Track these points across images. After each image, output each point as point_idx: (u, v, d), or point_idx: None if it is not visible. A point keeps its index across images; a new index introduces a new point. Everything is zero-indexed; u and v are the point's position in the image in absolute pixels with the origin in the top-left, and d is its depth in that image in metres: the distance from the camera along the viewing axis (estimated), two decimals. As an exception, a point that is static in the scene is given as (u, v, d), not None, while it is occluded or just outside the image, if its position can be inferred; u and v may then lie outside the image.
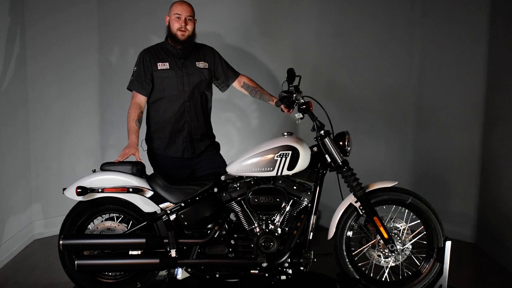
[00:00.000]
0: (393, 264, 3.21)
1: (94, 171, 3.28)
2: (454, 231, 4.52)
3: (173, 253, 3.10)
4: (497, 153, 4.27)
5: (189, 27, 3.46)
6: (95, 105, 4.94)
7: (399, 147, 4.96)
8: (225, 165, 3.40)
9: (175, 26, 3.45)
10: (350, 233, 3.22)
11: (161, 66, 3.48)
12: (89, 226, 3.30)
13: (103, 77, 4.92)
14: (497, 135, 4.27)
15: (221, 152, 3.77)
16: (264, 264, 3.07)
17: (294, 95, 3.19)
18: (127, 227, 3.28)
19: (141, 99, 3.50)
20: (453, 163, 4.73)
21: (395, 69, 4.88)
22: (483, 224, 4.53)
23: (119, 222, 3.29)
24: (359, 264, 3.26)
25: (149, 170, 3.43)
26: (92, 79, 4.89)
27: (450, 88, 4.68)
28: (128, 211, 3.25)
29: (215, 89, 3.77)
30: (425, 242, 3.22)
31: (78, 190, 3.11)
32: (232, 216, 3.31)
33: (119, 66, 4.87)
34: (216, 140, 3.77)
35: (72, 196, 3.16)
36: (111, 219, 3.32)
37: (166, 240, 3.13)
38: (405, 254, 3.21)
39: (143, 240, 3.09)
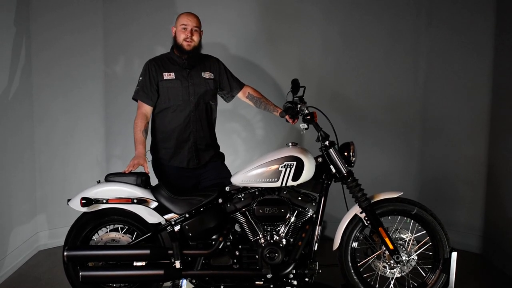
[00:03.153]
0: (399, 275, 3.19)
1: (98, 182, 3.28)
2: (460, 241, 4.48)
3: (177, 264, 3.09)
4: (504, 163, 4.23)
5: (195, 38, 3.47)
6: (101, 116, 4.93)
7: (404, 157, 4.94)
8: (230, 175, 3.40)
9: (181, 36, 3.46)
10: (355, 244, 3.21)
11: (166, 76, 3.49)
12: (94, 237, 3.29)
13: (109, 88, 4.92)
14: (504, 145, 4.24)
15: (226, 162, 3.76)
16: (269, 276, 3.06)
17: (299, 105, 3.19)
18: (131, 238, 3.27)
19: (147, 109, 3.51)
20: (459, 173, 4.68)
21: (400, 79, 4.87)
22: (489, 235, 4.49)
23: (123, 233, 3.29)
24: (365, 275, 3.24)
25: (154, 181, 3.43)
26: (97, 90, 4.89)
27: (455, 98, 4.65)
28: (133, 222, 3.25)
29: (220, 99, 3.78)
30: (430, 253, 3.21)
31: (83, 201, 3.11)
32: (236, 227, 3.30)
33: (125, 76, 4.87)
34: (220, 150, 3.76)
35: (76, 207, 3.16)
36: (116, 230, 3.32)
37: (170, 251, 3.11)
38: (410, 265, 3.19)
39: (147, 251, 3.08)
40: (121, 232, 3.29)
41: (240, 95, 3.74)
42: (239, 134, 5.05)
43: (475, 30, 4.50)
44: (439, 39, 4.69)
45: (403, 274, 3.19)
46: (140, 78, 3.54)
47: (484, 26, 4.46)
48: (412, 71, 4.85)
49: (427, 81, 4.81)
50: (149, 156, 3.57)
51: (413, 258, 3.17)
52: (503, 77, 4.28)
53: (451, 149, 4.71)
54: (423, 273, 3.23)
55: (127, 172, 3.26)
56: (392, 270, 3.19)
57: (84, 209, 3.18)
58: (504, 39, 4.26)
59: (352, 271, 3.19)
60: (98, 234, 3.30)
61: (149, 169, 3.41)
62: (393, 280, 3.20)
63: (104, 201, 3.16)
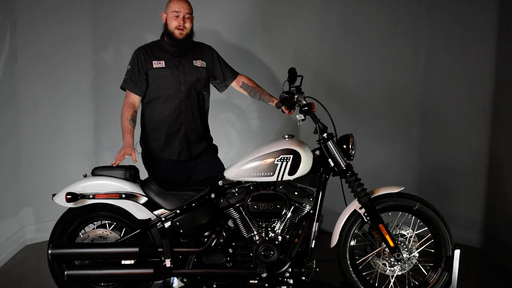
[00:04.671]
0: (399, 273, 3.09)
1: (85, 176, 3.16)
2: (460, 235, 4.39)
3: (167, 262, 2.96)
4: (505, 155, 4.14)
5: (188, 25, 3.34)
6: (89, 105, 4.79)
7: (403, 149, 4.85)
8: (223, 169, 3.29)
9: (173, 24, 3.31)
10: (354, 241, 3.10)
11: (156, 64, 3.37)
12: (80, 234, 3.16)
13: (98, 77, 4.77)
14: (506, 137, 4.14)
15: (219, 153, 3.65)
16: (264, 274, 2.95)
17: (296, 96, 3.07)
18: (120, 235, 3.15)
19: (135, 98, 3.38)
20: (459, 165, 4.59)
21: (399, 68, 4.76)
22: (490, 229, 4.41)
23: (111, 229, 3.16)
24: (364, 273, 3.13)
25: (143, 175, 3.29)
26: (86, 80, 4.75)
27: (456, 88, 4.55)
28: (121, 218, 3.12)
29: (213, 89, 3.66)
30: (432, 251, 3.10)
31: (68, 197, 2.98)
32: (230, 223, 3.18)
33: (115, 65, 4.72)
34: (214, 142, 3.65)
35: (61, 202, 3.03)
36: (103, 226, 3.19)
37: (160, 249, 3.00)
38: (411, 263, 3.08)
39: (136, 249, 2.96)
40: (109, 228, 3.17)
41: (234, 84, 3.62)
42: (233, 124, 4.94)
43: (477, 17, 4.39)
44: (440, 26, 4.57)
45: (403, 272, 3.09)
46: (129, 67, 3.41)
47: (486, 13, 4.34)
48: (411, 60, 4.74)
49: (427, 70, 4.70)
50: (138, 149, 3.46)
51: (414, 256, 3.07)
52: (506, 65, 4.17)
53: (452, 141, 4.62)
54: (425, 271, 3.13)
55: (115, 165, 3.13)
56: (392, 268, 3.09)
57: (70, 205, 3.05)
58: (508, 26, 4.14)
59: (351, 269, 3.09)
60: (84, 231, 3.17)
61: (139, 162, 3.30)
62: (393, 279, 3.09)
63: (91, 196, 3.04)
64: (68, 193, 2.98)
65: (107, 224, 3.18)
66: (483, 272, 4.02)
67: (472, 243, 4.51)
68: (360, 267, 3.13)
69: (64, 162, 4.70)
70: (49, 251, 2.96)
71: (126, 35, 4.73)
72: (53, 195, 3.10)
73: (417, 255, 3.08)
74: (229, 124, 4.91)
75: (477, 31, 4.40)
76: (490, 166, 4.42)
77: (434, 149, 4.72)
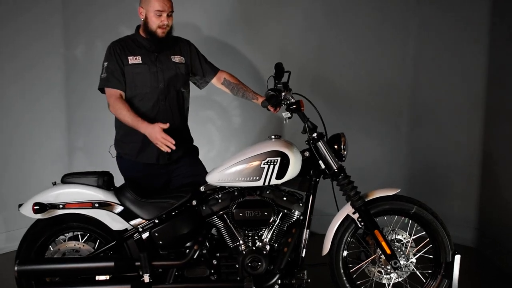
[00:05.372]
0: (396, 281, 2.91)
1: (54, 183, 2.92)
2: (453, 235, 4.10)
3: (146, 278, 2.73)
4: (499, 151, 4.03)
5: (170, 22, 3.13)
6: (61, 104, 4.57)
7: (393, 146, 4.73)
8: (205, 171, 3.09)
9: (155, 23, 3.08)
10: (346, 250, 2.92)
11: (132, 60, 3.13)
12: (50, 247, 2.92)
13: (70, 74, 4.57)
14: (499, 133, 4.03)
15: (200, 153, 3.46)
16: None
17: (283, 93, 2.86)
18: (94, 247, 2.92)
19: (121, 94, 3.12)
20: (451, 163, 4.48)
21: (388, 62, 4.63)
22: (484, 227, 4.28)
23: (84, 241, 2.92)
24: (358, 282, 2.95)
25: (119, 181, 3.06)
26: (57, 76, 4.52)
27: (448, 82, 4.43)
28: (95, 229, 2.89)
29: (192, 86, 3.45)
30: (431, 256, 2.94)
31: (36, 207, 2.74)
32: (213, 231, 2.97)
33: (87, 61, 4.53)
34: (194, 143, 3.44)
35: (29, 213, 2.79)
36: (75, 237, 2.95)
37: (138, 263, 2.76)
38: (408, 269, 2.90)
39: (111, 264, 2.73)
40: (82, 240, 2.93)
41: (214, 81, 3.41)
42: (214, 122, 4.76)
43: (469, 7, 4.26)
44: (430, 17, 4.45)
45: (400, 279, 2.91)
46: (106, 64, 3.15)
47: (478, 4, 4.21)
48: (400, 52, 4.62)
49: (416, 63, 4.58)
50: (113, 152, 3.26)
51: (411, 262, 2.89)
52: (499, 58, 4.04)
53: (443, 136, 4.51)
54: (423, 279, 2.95)
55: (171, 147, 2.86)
56: (389, 276, 2.91)
57: (38, 216, 2.81)
58: (501, 17, 4.01)
59: (344, 278, 2.90)
60: (55, 243, 2.93)
61: (115, 167, 3.12)
62: (390, 287, 2.92)
63: (61, 206, 2.80)
64: (35, 204, 2.75)
65: (79, 236, 2.95)
66: (478, 272, 3.88)
67: (465, 242, 4.37)
68: (354, 275, 2.95)
69: (35, 166, 4.47)
70: (16, 268, 2.71)
71: (99, 30, 4.52)
72: (20, 205, 2.86)
73: (415, 261, 2.90)
74: (210, 122, 4.74)
75: (469, 23, 4.28)
76: (484, 163, 4.31)
77: (425, 145, 4.61)
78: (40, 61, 4.41)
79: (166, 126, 2.88)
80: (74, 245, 2.89)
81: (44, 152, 4.51)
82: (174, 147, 2.87)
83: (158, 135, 2.87)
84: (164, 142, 2.86)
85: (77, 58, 4.57)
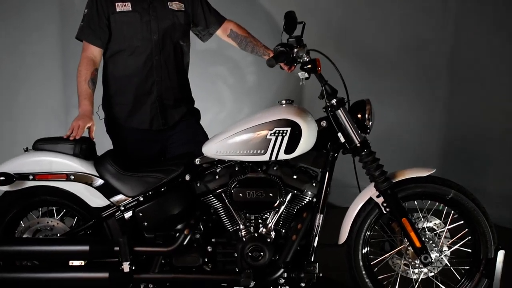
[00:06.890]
0: (425, 276, 2.56)
1: (26, 150, 2.59)
2: (491, 213, 3.86)
3: (125, 267, 2.37)
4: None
5: None
6: (56, 56, 4.39)
7: (426, 112, 4.54)
8: (206, 139, 2.73)
9: None
10: (367, 242, 2.57)
11: (120, 7, 2.82)
12: (22, 222, 2.60)
13: (65, 22, 4.33)
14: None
15: (209, 114, 3.34)
16: (251, 285, 2.35)
17: (295, 49, 2.44)
18: (72, 224, 2.59)
19: (95, 52, 2.84)
20: (492, 131, 4.28)
21: (425, 13, 4.41)
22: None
23: (60, 218, 2.59)
24: (379, 277, 2.60)
25: (104, 148, 2.71)
26: (53, 27, 4.36)
27: (493, 36, 4.19)
28: (71, 204, 2.55)
29: (196, 38, 3.14)
30: (469, 250, 2.57)
31: (1, 178, 2.41)
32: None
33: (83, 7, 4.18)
34: (200, 102, 3.16)
35: (-7, 184, 2.47)
36: (51, 213, 2.61)
37: (117, 248, 2.41)
38: (441, 263, 2.55)
39: (86, 248, 2.39)
40: (57, 216, 2.58)
41: (220, 33, 3.06)
42: (225, 80, 4.57)
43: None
44: None
45: (430, 275, 2.55)
46: (86, 11, 2.86)
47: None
48: (439, 3, 4.41)
49: (457, 16, 4.37)
50: (101, 113, 2.95)
51: (445, 256, 2.53)
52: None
53: (485, 101, 4.30)
54: (458, 276, 2.58)
55: (72, 138, 2.56)
56: (417, 271, 2.55)
57: (5, 188, 2.48)
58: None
59: (364, 272, 2.54)
60: (27, 219, 2.61)
61: (102, 132, 2.86)
62: (418, 284, 2.56)
63: (30, 177, 2.47)
64: (0, 174, 2.41)
65: (54, 211, 2.60)
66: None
67: (504, 222, 4.05)
68: (376, 269, 2.60)
69: (29, 123, 4.41)
70: (-23, 248, 2.40)
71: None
72: None
73: (449, 254, 2.55)
74: (221, 80, 4.56)
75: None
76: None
77: (464, 112, 4.43)
78: (33, 12, 4.28)
79: (92, 137, 2.66)
80: (48, 222, 2.56)
81: (39, 110, 4.45)
82: (71, 138, 2.57)
83: (81, 123, 2.63)
84: (74, 131, 2.59)
85: (74, 3, 4.34)
